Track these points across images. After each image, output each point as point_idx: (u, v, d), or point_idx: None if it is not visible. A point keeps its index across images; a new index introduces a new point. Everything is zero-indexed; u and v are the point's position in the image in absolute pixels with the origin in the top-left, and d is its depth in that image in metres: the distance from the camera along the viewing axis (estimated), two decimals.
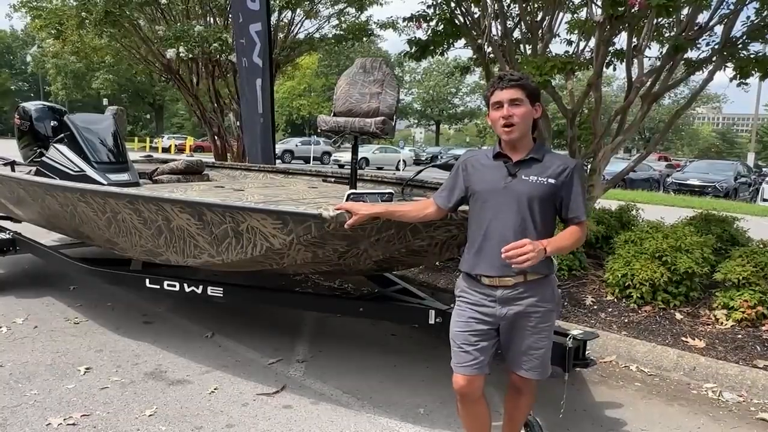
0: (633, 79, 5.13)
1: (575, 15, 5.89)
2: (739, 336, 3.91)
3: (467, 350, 2.19)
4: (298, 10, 9.72)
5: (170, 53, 8.46)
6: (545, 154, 2.18)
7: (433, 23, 5.90)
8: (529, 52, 5.65)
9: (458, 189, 2.28)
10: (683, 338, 3.91)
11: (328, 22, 10.41)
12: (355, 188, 3.92)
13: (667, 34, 5.55)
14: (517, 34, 5.86)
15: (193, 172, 5.05)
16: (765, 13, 4.74)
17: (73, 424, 2.74)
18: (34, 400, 2.98)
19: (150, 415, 2.87)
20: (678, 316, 4.20)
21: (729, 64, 4.95)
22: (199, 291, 3.54)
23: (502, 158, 2.18)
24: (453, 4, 5.68)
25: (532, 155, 2.15)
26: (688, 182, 18.85)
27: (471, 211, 2.25)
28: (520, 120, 2.09)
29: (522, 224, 2.11)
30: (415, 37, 6.17)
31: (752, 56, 4.78)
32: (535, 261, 2.00)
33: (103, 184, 3.78)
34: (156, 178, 4.91)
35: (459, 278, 2.31)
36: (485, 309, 2.19)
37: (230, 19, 7.47)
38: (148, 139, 37.85)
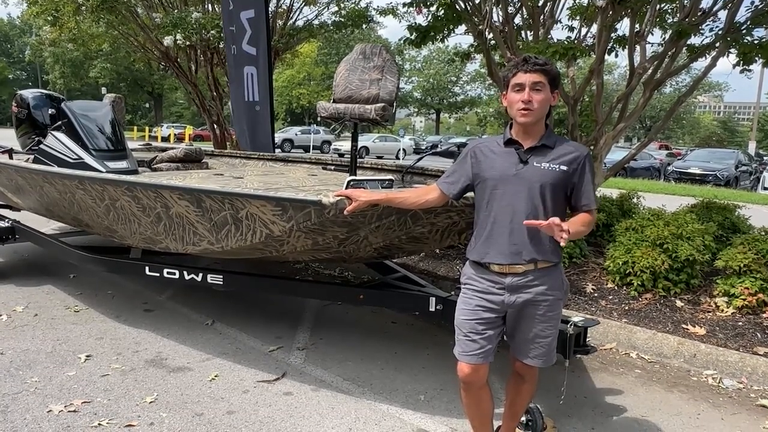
0: (635, 66, 5.08)
1: (577, 1, 5.83)
2: (740, 323, 3.91)
3: (474, 339, 2.18)
4: None
5: (168, 41, 8.37)
6: (556, 140, 2.15)
7: (433, 9, 5.84)
8: (530, 38, 5.60)
9: (464, 176, 2.25)
10: (684, 325, 3.91)
11: (327, 9, 10.32)
12: (355, 175, 3.90)
13: (670, 20, 5.49)
14: (518, 20, 5.80)
15: (192, 160, 5.02)
16: None
17: (74, 411, 2.75)
18: (34, 387, 2.98)
19: (151, 402, 2.87)
20: (678, 303, 4.20)
21: (732, 50, 4.90)
22: (199, 279, 3.53)
23: (513, 145, 2.15)
24: None
25: (544, 142, 2.12)
26: (689, 171, 18.78)
27: (479, 199, 2.21)
28: (539, 106, 2.06)
29: (533, 211, 2.08)
30: (416, 23, 6.10)
31: (756, 42, 4.73)
32: (565, 241, 1.92)
33: (102, 172, 3.76)
34: (155, 166, 4.88)
35: (465, 266, 2.29)
36: (493, 297, 2.17)
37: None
38: (147, 128, 37.70)
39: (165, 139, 32.45)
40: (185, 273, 3.56)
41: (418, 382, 3.23)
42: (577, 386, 3.26)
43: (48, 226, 6.08)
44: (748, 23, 4.79)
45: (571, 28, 5.99)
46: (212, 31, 8.04)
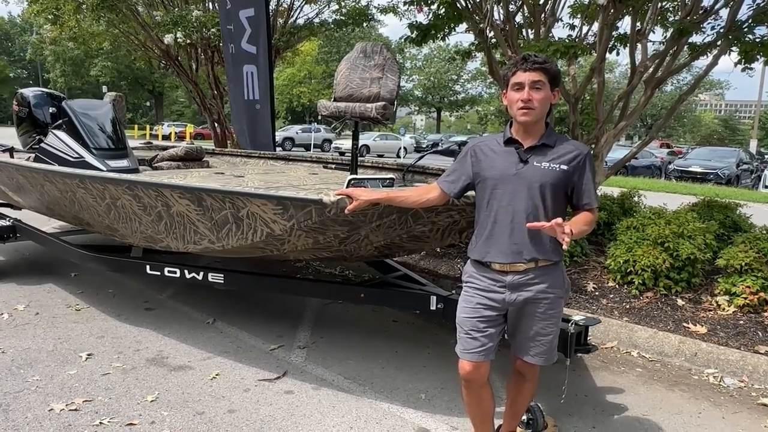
0: (636, 64, 5.08)
1: None
2: (741, 322, 3.91)
3: (475, 336, 2.18)
4: None
5: (168, 39, 8.37)
6: (557, 139, 2.14)
7: (434, 7, 5.82)
8: (531, 36, 5.59)
9: (465, 175, 2.25)
10: (685, 324, 3.91)
11: (328, 7, 10.31)
12: (356, 174, 3.89)
13: (671, 18, 5.48)
14: (519, 18, 5.80)
15: (193, 159, 5.02)
16: None
17: (75, 410, 2.75)
18: (36, 386, 2.98)
19: (152, 401, 2.87)
20: (680, 302, 4.19)
21: (733, 49, 4.89)
22: (200, 278, 3.53)
23: (513, 144, 2.15)
24: None
25: (544, 141, 2.12)
26: (690, 169, 18.74)
27: (480, 198, 2.21)
28: (539, 105, 2.05)
29: (534, 211, 2.08)
30: (416, 21, 6.09)
31: (757, 40, 4.71)
32: (568, 244, 1.92)
33: (103, 171, 3.76)
34: (156, 164, 4.88)
35: (466, 264, 2.29)
36: (494, 295, 2.17)
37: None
38: (148, 126, 37.70)
39: (166, 138, 32.46)
40: (186, 272, 3.56)
41: (419, 381, 3.23)
42: (578, 385, 3.26)
43: (49, 224, 6.08)
44: (750, 21, 4.77)
45: (573, 27, 5.98)
46: (213, 30, 8.04)
